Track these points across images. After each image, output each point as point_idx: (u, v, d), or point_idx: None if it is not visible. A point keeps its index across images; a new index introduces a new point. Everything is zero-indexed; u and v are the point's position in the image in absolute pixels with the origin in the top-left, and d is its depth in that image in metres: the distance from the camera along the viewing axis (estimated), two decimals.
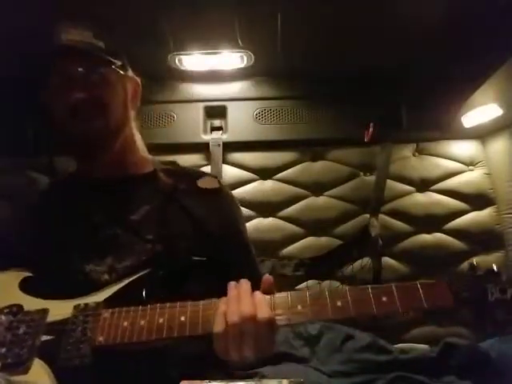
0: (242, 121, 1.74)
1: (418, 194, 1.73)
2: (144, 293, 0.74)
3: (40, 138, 1.63)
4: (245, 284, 0.68)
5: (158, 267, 0.77)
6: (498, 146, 1.70)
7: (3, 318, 0.74)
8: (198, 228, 0.87)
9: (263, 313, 0.63)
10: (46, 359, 0.68)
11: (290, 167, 1.76)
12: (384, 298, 0.64)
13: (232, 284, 0.68)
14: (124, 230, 0.84)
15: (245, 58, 1.59)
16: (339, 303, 0.65)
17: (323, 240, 1.69)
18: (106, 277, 0.79)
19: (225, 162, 1.74)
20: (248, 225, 1.71)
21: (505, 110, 1.51)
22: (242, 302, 0.64)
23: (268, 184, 1.75)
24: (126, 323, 0.68)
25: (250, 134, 1.74)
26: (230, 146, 1.74)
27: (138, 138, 0.98)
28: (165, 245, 0.82)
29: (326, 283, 1.59)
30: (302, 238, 1.70)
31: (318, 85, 1.73)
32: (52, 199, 0.93)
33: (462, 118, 1.65)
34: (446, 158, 1.75)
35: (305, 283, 1.59)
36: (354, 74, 1.66)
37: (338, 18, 1.37)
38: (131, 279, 0.75)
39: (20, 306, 0.76)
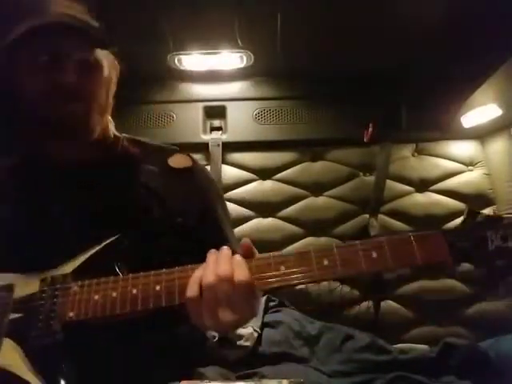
0: (241, 121, 1.74)
1: (417, 194, 1.73)
2: (114, 261, 0.69)
3: None
4: (225, 249, 0.64)
5: (125, 233, 0.71)
6: (497, 146, 1.70)
7: None
8: (168, 209, 0.83)
9: (241, 275, 0.59)
10: (16, 338, 0.64)
11: (290, 167, 1.76)
12: (374, 255, 0.59)
13: (212, 250, 0.65)
14: (90, 219, 0.78)
15: (244, 58, 1.59)
16: (326, 262, 0.60)
17: (323, 240, 1.68)
18: (72, 252, 0.72)
19: (224, 162, 1.74)
20: (248, 225, 1.73)
21: (504, 110, 1.51)
22: (220, 264, 0.61)
23: (267, 184, 1.75)
24: (97, 296, 0.64)
25: (249, 134, 1.74)
26: (229, 146, 1.74)
27: (109, 119, 0.91)
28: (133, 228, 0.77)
29: (325, 284, 1.59)
30: (301, 238, 1.69)
31: (318, 85, 1.73)
32: (15, 178, 0.85)
33: (462, 118, 1.65)
34: (445, 158, 1.75)
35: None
36: (354, 74, 1.66)
37: (338, 18, 1.37)
38: (99, 247, 0.70)
39: None
